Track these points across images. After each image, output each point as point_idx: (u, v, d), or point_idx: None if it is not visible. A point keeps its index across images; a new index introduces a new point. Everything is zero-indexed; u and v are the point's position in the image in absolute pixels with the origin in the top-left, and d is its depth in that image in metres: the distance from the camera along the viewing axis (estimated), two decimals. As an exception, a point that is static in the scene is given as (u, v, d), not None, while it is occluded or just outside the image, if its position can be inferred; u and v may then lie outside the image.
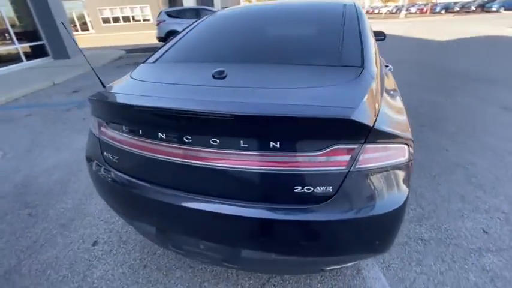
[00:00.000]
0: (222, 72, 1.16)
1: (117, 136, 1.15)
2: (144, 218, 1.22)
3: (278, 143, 0.91)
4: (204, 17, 2.02)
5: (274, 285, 1.42)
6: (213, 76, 1.16)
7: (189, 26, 1.92)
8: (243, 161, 0.95)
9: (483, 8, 27.89)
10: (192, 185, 1.04)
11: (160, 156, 1.05)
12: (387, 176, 0.98)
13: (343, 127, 0.87)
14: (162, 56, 1.59)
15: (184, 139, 0.99)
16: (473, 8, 28.99)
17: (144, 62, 1.58)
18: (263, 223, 0.97)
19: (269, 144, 0.91)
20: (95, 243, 1.68)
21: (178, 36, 1.77)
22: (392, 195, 0.98)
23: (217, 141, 0.95)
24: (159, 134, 1.02)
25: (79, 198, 2.07)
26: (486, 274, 1.42)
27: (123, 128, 1.12)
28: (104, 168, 1.23)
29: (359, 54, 1.30)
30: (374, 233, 1.02)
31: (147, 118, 1.04)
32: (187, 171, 1.02)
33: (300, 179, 0.93)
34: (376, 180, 0.96)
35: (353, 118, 0.83)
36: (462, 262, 1.49)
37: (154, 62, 1.56)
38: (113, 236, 1.73)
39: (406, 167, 1.01)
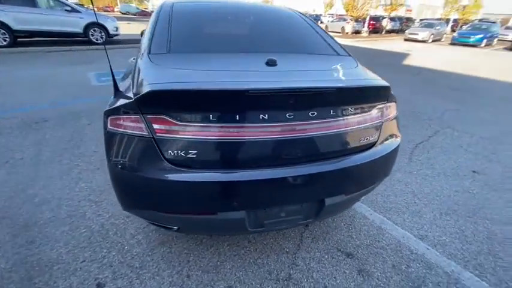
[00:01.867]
0: (273, 60, 1.34)
1: (202, 129, 1.09)
2: (231, 206, 1.21)
3: (353, 107, 1.27)
4: (165, 7, 1.84)
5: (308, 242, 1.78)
6: (267, 63, 1.33)
7: (158, 17, 1.73)
8: (331, 126, 1.24)
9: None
10: (291, 156, 1.20)
11: (259, 137, 1.12)
12: (394, 123, 1.51)
13: (383, 92, 1.36)
14: (169, 47, 1.47)
15: (287, 116, 1.13)
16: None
17: (150, 53, 1.40)
18: (345, 170, 1.29)
19: (348, 109, 1.26)
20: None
21: (161, 28, 1.61)
22: (397, 135, 1.54)
23: (315, 113, 1.17)
24: (261, 115, 1.11)
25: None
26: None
27: (211, 118, 1.08)
28: (170, 169, 1.12)
29: (340, 47, 1.86)
30: (392, 162, 1.55)
31: (250, 102, 1.09)
32: (288, 144, 1.17)
33: (364, 132, 1.34)
34: (392, 127, 1.50)
35: (388, 85, 1.33)
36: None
37: (168, 52, 1.44)
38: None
39: (397, 117, 1.55)
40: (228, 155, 1.16)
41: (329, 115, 1.22)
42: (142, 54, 1.43)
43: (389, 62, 9.34)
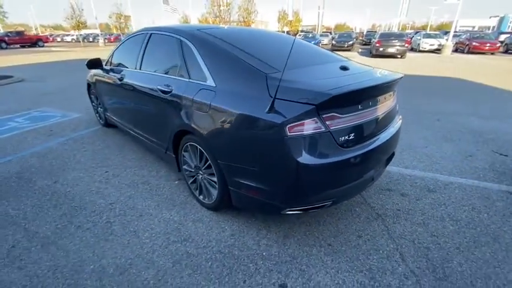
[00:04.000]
0: (345, 66, 1.86)
1: (353, 116, 1.55)
2: (370, 167, 1.74)
3: (394, 91, 1.97)
4: (213, 32, 2.13)
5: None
6: (342, 69, 1.84)
7: (216, 41, 1.96)
8: (392, 103, 1.95)
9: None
10: (384, 125, 1.84)
11: (373, 116, 1.68)
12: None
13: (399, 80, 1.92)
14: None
15: (378, 99, 1.68)
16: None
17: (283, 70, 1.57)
18: (397, 133, 1.98)
19: (394, 92, 1.98)
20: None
21: (232, 55, 1.82)
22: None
23: (386, 97, 1.73)
24: (370, 102, 1.64)
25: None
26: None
27: (359, 107, 1.56)
28: (342, 151, 1.52)
29: (336, 55, 2.41)
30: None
31: (373, 93, 1.66)
32: (382, 118, 1.77)
33: (395, 106, 2.11)
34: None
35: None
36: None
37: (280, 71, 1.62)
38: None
39: None
40: (363, 131, 1.64)
41: (390, 96, 1.91)
42: (268, 74, 1.62)
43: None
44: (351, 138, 1.55)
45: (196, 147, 1.99)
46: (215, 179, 1.93)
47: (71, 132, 3.84)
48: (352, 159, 1.53)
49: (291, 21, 31.70)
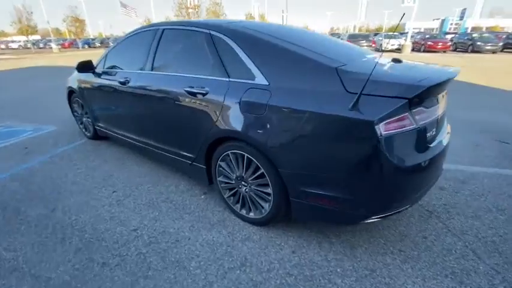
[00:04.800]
0: (398, 59, 1.74)
1: (434, 111, 1.42)
2: (441, 166, 1.60)
3: None
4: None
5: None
6: (394, 61, 1.71)
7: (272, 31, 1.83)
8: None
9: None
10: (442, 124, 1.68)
11: (441, 110, 1.54)
12: None
13: None
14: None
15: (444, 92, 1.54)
16: (98, 44, 29.42)
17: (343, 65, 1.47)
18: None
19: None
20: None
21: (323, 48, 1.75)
22: None
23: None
24: (442, 95, 1.53)
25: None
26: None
27: (437, 100, 1.45)
28: (430, 148, 1.40)
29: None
30: None
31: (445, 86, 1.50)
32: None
33: None
34: None
35: None
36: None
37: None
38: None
39: None
40: (438, 126, 1.55)
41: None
42: (335, 68, 1.42)
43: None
44: (433, 134, 1.43)
45: (243, 155, 1.73)
46: (268, 190, 1.69)
47: (52, 148, 3.27)
48: (437, 156, 1.41)
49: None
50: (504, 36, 19.93)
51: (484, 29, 41.39)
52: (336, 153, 1.37)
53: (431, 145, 1.44)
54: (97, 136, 3.40)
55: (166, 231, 1.88)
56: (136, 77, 2.35)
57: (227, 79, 1.74)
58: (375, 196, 1.36)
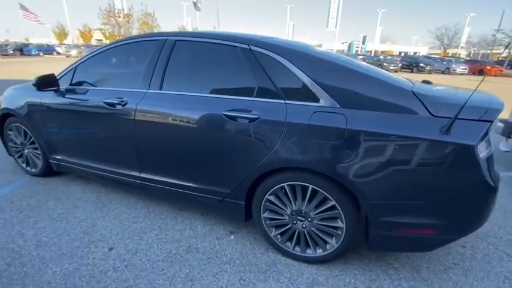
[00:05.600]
0: (428, 80, 1.87)
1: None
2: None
3: None
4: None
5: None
6: (424, 82, 1.81)
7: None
8: None
9: (21, 52, 26.63)
10: None
11: None
12: None
13: None
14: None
15: None
16: (10, 51, 26.32)
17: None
18: None
19: None
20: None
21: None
22: None
23: None
24: None
25: None
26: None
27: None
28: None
29: None
30: None
31: None
32: None
33: None
34: None
35: None
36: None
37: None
38: None
39: None
40: None
41: None
42: (411, 91, 1.40)
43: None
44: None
45: (305, 187, 1.51)
46: (338, 224, 1.51)
47: (-23, 196, 2.30)
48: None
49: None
50: (400, 59, 24.88)
51: (379, 52, 50.83)
52: (428, 178, 1.31)
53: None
54: (48, 172, 2.58)
55: (212, 292, 1.47)
56: (139, 97, 1.85)
57: (282, 101, 1.52)
58: (468, 217, 1.36)
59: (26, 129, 2.47)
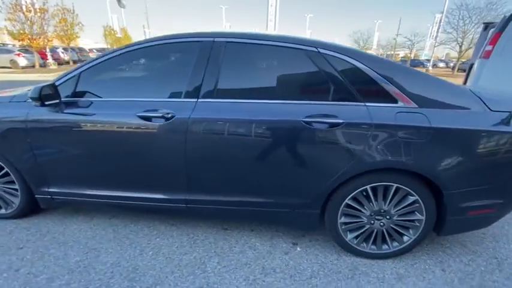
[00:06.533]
0: None
1: None
2: None
3: None
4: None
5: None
6: None
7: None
8: None
9: None
10: None
11: None
12: None
13: None
14: None
15: None
16: None
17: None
18: None
19: None
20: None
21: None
22: None
23: None
24: None
25: None
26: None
27: None
28: None
29: None
30: None
31: None
32: None
33: None
34: None
35: None
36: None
37: None
38: None
39: None
40: None
41: None
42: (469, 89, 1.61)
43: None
44: None
45: (388, 186, 1.55)
46: (417, 217, 1.61)
47: None
48: None
49: (120, 38, 28.02)
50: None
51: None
52: (493, 164, 1.51)
53: None
54: (28, 211, 1.98)
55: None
56: (189, 107, 1.56)
57: (362, 104, 1.52)
58: None
59: (5, 155, 1.82)
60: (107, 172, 1.78)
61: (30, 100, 1.61)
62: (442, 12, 24.11)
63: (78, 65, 1.76)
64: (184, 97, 1.61)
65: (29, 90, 1.68)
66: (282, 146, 1.57)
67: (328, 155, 1.54)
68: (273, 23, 20.51)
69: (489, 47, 3.37)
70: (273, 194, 1.68)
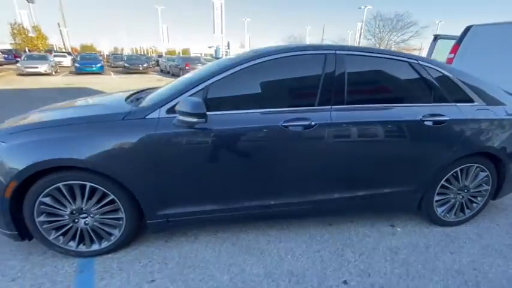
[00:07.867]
0: None
1: None
2: None
3: None
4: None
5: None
6: None
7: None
8: None
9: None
10: None
11: None
12: None
13: None
14: None
15: None
16: None
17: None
18: None
19: None
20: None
21: None
22: None
23: None
24: None
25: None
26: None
27: None
28: None
29: None
30: None
31: None
32: None
33: None
34: None
35: None
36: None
37: None
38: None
39: None
40: None
41: None
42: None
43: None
44: None
45: (473, 167, 2.03)
46: (483, 187, 2.13)
47: None
48: None
49: (31, 38, 23.46)
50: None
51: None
52: None
53: None
54: (128, 241, 1.78)
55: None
56: (325, 114, 1.71)
57: (454, 104, 1.93)
58: None
59: (97, 186, 1.58)
60: (240, 184, 1.76)
61: (181, 117, 1.49)
62: (362, 21, 28.37)
63: (200, 76, 1.71)
64: (319, 105, 1.75)
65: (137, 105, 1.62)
66: (406, 140, 1.89)
67: (441, 145, 1.91)
68: (219, 27, 20.58)
69: (451, 55, 4.39)
70: (392, 184, 1.97)
